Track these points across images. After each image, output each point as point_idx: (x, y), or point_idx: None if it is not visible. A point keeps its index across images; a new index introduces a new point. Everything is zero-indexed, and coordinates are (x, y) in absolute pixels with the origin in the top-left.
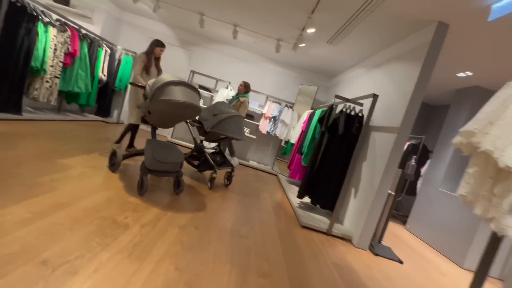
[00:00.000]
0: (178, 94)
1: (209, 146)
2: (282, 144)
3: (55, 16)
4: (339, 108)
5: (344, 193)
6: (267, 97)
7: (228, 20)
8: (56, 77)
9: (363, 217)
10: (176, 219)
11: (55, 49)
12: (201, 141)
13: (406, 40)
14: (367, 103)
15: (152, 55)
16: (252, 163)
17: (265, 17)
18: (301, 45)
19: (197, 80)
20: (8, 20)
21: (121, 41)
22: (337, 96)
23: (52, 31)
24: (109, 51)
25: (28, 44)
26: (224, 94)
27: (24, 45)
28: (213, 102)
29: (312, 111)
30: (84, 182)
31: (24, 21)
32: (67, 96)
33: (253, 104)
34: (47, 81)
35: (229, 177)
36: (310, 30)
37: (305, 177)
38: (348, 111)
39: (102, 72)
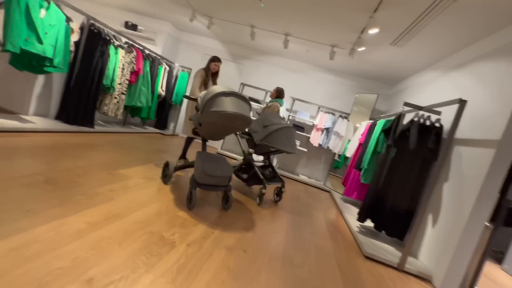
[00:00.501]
0: (229, 105)
1: (258, 159)
2: (336, 158)
3: (124, 39)
4: (408, 117)
5: (419, 220)
6: (319, 108)
7: (279, 29)
8: (122, 93)
9: (448, 253)
10: (223, 238)
11: (123, 68)
12: (251, 154)
13: (499, 34)
14: (447, 111)
15: (209, 70)
16: (302, 177)
17: (319, 22)
18: (360, 49)
19: (247, 92)
20: (87, 45)
21: (178, 59)
22: (406, 104)
23: (121, 52)
24: (168, 68)
25: (102, 64)
26: None
27: (98, 66)
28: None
29: (371, 121)
30: (138, 193)
31: (99, 44)
32: (131, 111)
33: (303, 115)
34: (115, 97)
35: (279, 193)
36: (373, 31)
37: (367, 197)
38: (421, 120)
39: (161, 88)
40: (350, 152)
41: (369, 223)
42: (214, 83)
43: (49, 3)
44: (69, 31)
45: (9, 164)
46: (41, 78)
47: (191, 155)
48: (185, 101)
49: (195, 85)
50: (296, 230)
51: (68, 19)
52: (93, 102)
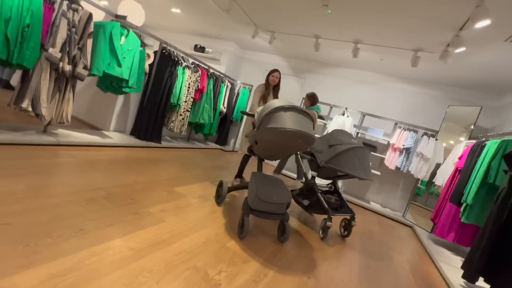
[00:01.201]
0: (288, 122)
1: (322, 183)
2: (419, 185)
3: (191, 60)
4: None
5: None
6: (396, 124)
7: (347, 37)
8: (187, 110)
9: None
10: (278, 285)
11: (189, 87)
12: (313, 178)
13: None
14: None
15: (268, 84)
16: (374, 205)
17: (399, 23)
18: (457, 51)
19: None
20: (159, 66)
21: (241, 76)
22: None
23: (187, 72)
24: (230, 85)
25: (170, 84)
26: (339, 121)
27: (167, 85)
28: (328, 131)
29: (473, 141)
30: (189, 216)
31: (169, 66)
32: (195, 127)
33: (376, 132)
34: (180, 115)
35: (347, 227)
36: (482, 23)
37: (477, 246)
38: None
39: (223, 105)
40: (441, 179)
41: (482, 283)
42: (275, 97)
43: (128, 31)
44: (143, 55)
45: (80, 177)
46: (121, 98)
47: (249, 174)
48: (245, 117)
49: (254, 101)
50: (371, 281)
51: (144, 44)
52: (161, 119)
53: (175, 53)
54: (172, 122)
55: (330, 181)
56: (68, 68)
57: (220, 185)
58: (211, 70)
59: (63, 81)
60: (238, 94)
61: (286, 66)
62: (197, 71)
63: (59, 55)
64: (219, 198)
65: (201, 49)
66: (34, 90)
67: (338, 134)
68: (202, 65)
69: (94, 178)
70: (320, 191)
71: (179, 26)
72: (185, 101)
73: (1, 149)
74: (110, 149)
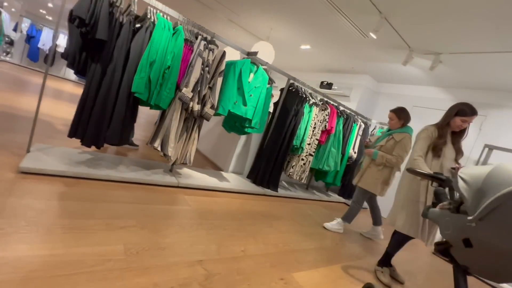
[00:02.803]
0: None
1: None
2: None
3: (319, 97)
4: None
5: None
6: None
7: None
8: (310, 154)
9: None
10: None
11: (314, 127)
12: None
13: None
14: None
15: (448, 128)
16: None
17: None
18: None
19: (496, 159)
20: (284, 104)
21: (376, 114)
22: None
23: (314, 110)
24: (363, 125)
25: (294, 124)
26: None
27: (291, 125)
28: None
29: None
30: None
31: (295, 103)
32: (316, 173)
33: None
34: (302, 159)
35: None
36: None
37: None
38: None
39: (353, 149)
40: None
41: None
42: (457, 149)
43: (257, 67)
44: (270, 93)
45: (186, 238)
46: (243, 139)
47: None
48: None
49: (417, 151)
50: None
51: (271, 81)
52: (280, 164)
53: (303, 89)
54: (292, 167)
55: None
56: (197, 108)
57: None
58: (341, 108)
59: (191, 121)
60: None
61: (449, 99)
62: (325, 109)
63: (190, 94)
64: None
65: (328, 86)
66: (165, 130)
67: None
68: (332, 102)
69: (200, 240)
70: None
71: (304, 64)
72: (309, 144)
73: (125, 188)
74: (225, 196)
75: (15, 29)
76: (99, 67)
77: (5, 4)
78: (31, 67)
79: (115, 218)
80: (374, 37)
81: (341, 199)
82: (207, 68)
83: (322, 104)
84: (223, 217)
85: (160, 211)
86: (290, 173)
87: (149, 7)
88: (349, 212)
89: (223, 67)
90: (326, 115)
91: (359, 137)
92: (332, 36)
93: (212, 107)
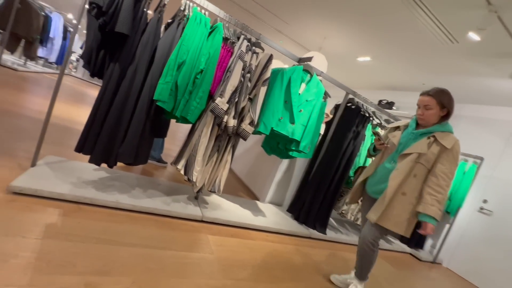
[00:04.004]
0: None
1: None
2: None
3: (384, 117)
4: None
5: None
6: None
7: None
8: None
9: None
10: None
11: None
12: None
13: None
14: None
15: None
16: None
17: None
18: None
19: None
20: (340, 124)
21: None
22: None
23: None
24: None
25: (352, 149)
26: None
27: (347, 151)
28: None
29: None
30: None
31: (354, 124)
32: None
33: None
34: None
35: None
36: None
37: None
38: None
39: None
40: None
41: None
42: None
43: (311, 75)
44: (324, 109)
45: None
46: (285, 163)
47: None
48: (465, 214)
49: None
50: None
51: (327, 95)
52: (331, 199)
53: (365, 107)
54: (346, 204)
55: None
56: (232, 123)
57: None
58: None
59: (224, 139)
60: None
61: None
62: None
63: (225, 106)
64: None
65: (389, 105)
66: (192, 149)
67: None
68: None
69: None
70: None
71: (360, 80)
72: None
73: (135, 220)
74: (260, 237)
75: (81, 47)
76: (117, 68)
77: (74, 21)
78: (91, 80)
79: (103, 274)
80: (477, 38)
81: (406, 249)
82: (248, 75)
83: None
84: (256, 275)
85: (172, 262)
86: (343, 212)
87: (185, 0)
88: (366, 264)
89: (268, 74)
90: None
91: None
92: (402, 43)
93: (251, 123)
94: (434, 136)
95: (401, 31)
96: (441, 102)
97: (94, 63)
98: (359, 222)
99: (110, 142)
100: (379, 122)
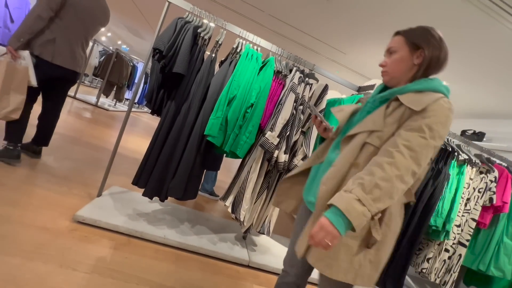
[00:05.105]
0: None
1: None
2: None
3: (473, 151)
4: None
5: None
6: None
7: None
8: (461, 244)
9: None
10: None
11: (468, 199)
12: None
13: None
14: None
15: None
16: None
17: None
18: None
19: None
20: None
21: None
22: None
23: (468, 171)
24: None
25: (432, 191)
26: None
27: (425, 194)
28: None
29: None
30: None
31: (433, 160)
32: (468, 274)
33: None
34: (446, 250)
35: None
36: None
37: None
38: None
39: None
40: None
41: None
42: None
43: None
44: None
45: None
46: None
47: None
48: None
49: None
50: None
51: None
52: (407, 253)
53: (448, 140)
54: (427, 261)
55: None
56: (283, 158)
57: None
58: None
59: (275, 176)
60: None
61: None
62: (488, 172)
63: (276, 141)
64: None
65: (477, 137)
66: (240, 185)
67: None
68: (498, 161)
69: None
70: None
71: None
72: (459, 226)
73: (176, 258)
74: None
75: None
76: (173, 105)
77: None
78: None
79: None
80: None
81: None
82: (301, 107)
83: (481, 163)
84: None
85: None
86: (424, 270)
87: (238, 38)
88: None
89: (323, 105)
90: (491, 181)
91: None
92: (487, 61)
93: (304, 158)
94: (398, 100)
95: (485, 47)
96: (412, 41)
97: (154, 102)
98: (446, 287)
99: (162, 176)
100: (467, 157)
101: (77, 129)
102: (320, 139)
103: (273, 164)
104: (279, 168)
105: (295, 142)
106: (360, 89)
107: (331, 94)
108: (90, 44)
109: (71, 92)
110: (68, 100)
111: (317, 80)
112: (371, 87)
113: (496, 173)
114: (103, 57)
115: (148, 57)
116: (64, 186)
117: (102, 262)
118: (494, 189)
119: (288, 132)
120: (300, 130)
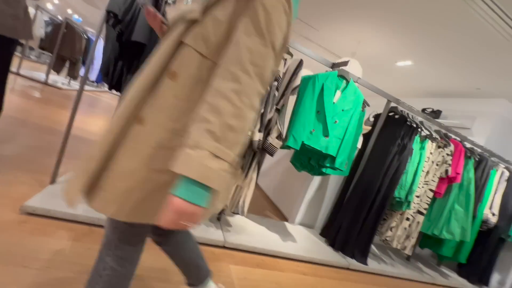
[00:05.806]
0: None
1: None
2: None
3: (434, 127)
4: None
5: None
6: None
7: None
8: (420, 212)
9: None
10: None
11: (427, 172)
12: None
13: None
14: None
15: None
16: None
17: None
18: None
19: None
20: (381, 136)
21: None
22: None
23: (429, 147)
24: (507, 173)
25: (397, 165)
26: None
27: (391, 168)
28: None
29: None
30: None
31: (399, 136)
32: (424, 238)
33: None
34: (407, 219)
35: None
36: None
37: None
38: None
39: (490, 209)
40: None
41: None
42: None
43: (347, 82)
44: (362, 119)
45: None
46: (316, 180)
47: None
48: None
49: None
50: None
51: (365, 104)
52: (373, 223)
53: (412, 116)
54: (391, 229)
55: None
56: (257, 137)
57: None
58: (468, 145)
59: (249, 155)
60: None
61: None
62: (446, 146)
63: None
64: None
65: (435, 114)
66: None
67: None
68: (454, 136)
69: None
70: None
71: (399, 87)
72: (419, 196)
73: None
74: (290, 268)
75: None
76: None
77: None
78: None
79: None
80: None
81: (466, 283)
82: (275, 83)
83: (440, 138)
84: None
85: None
86: (388, 238)
87: None
88: None
89: (298, 82)
90: (448, 154)
91: (500, 191)
92: (451, 43)
93: (279, 137)
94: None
95: (450, 29)
96: None
97: (112, 75)
98: (407, 251)
99: None
100: (428, 133)
101: (23, 109)
102: None
103: (248, 143)
104: (253, 147)
105: (270, 120)
106: (334, 66)
107: (304, 73)
108: (32, 11)
109: (13, 67)
110: (10, 77)
111: (292, 55)
112: (345, 63)
113: (452, 147)
114: (50, 27)
115: (102, 22)
116: (9, 174)
117: (60, 255)
118: (450, 162)
119: (262, 110)
120: (274, 107)
